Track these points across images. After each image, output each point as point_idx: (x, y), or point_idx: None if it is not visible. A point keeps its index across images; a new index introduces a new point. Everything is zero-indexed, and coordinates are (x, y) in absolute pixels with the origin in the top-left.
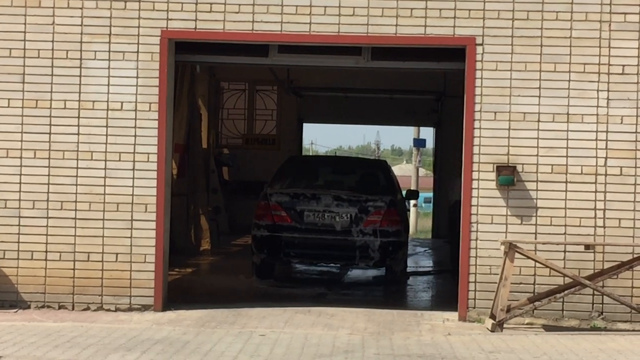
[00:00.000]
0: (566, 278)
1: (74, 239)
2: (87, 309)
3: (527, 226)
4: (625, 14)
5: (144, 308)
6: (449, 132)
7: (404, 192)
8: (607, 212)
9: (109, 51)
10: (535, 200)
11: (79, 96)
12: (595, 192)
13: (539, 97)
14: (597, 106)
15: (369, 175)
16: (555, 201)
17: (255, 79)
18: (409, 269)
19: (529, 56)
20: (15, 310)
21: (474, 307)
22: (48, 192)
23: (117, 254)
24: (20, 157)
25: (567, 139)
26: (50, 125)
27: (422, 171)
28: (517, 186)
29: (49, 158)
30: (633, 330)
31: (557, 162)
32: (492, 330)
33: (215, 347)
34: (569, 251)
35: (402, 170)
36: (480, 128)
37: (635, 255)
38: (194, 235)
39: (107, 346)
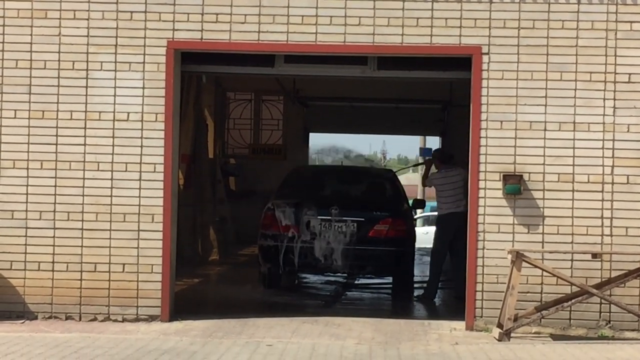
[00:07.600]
0: (573, 287)
1: (80, 250)
2: (94, 319)
3: (534, 235)
4: (632, 22)
5: (151, 318)
6: (455, 141)
7: (410, 202)
8: (614, 220)
9: (115, 62)
10: (542, 209)
11: (85, 107)
12: (602, 200)
13: (545, 105)
14: (604, 115)
15: (375, 184)
16: (562, 210)
17: (261, 89)
18: (415, 278)
19: (535, 65)
20: (22, 321)
21: (481, 317)
22: (55, 203)
23: (124, 264)
24: (27, 168)
25: (574, 148)
26: (56, 136)
27: None
28: (524, 195)
29: (55, 169)
30: None
31: (563, 171)
32: (500, 340)
33: (223, 357)
34: (576, 260)
35: (409, 180)
36: (486, 137)
37: None
38: (201, 246)
39: (114, 357)
